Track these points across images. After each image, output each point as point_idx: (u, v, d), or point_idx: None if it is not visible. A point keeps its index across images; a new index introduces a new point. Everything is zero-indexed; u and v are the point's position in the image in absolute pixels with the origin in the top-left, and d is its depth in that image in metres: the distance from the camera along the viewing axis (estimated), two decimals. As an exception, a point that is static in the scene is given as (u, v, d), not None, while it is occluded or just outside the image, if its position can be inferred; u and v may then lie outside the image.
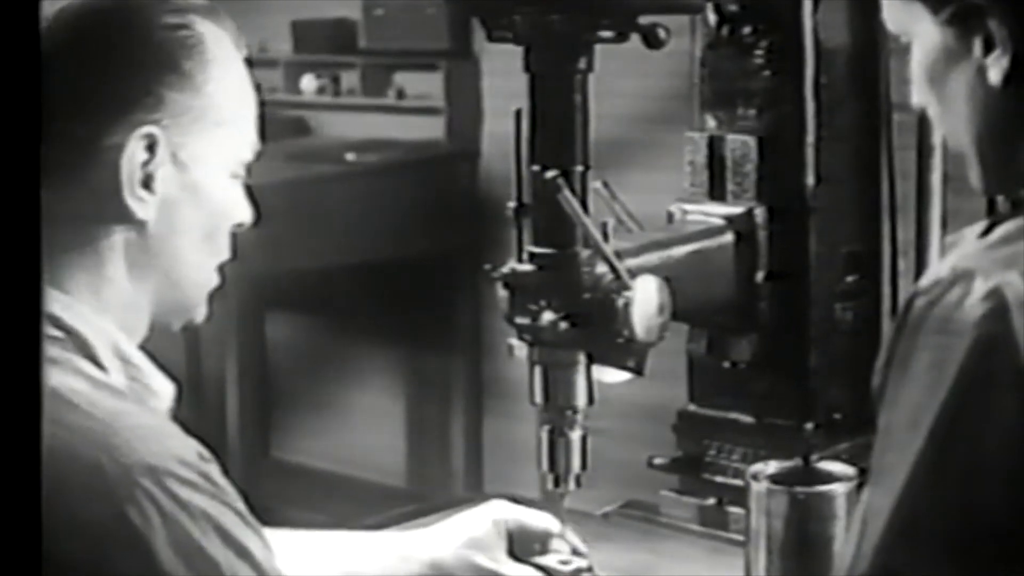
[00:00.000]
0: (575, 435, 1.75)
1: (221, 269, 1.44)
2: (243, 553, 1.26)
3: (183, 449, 1.27)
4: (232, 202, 1.43)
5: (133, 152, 1.33)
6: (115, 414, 1.26)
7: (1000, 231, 1.28)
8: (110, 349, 1.33)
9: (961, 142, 1.34)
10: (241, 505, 1.29)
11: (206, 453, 1.29)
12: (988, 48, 1.27)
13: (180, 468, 1.25)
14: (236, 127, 1.42)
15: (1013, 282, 1.20)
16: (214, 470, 1.28)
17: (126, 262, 1.36)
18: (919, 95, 1.36)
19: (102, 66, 1.34)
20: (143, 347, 1.39)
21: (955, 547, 1.20)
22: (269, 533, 1.36)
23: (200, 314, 1.44)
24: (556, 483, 1.76)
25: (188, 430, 1.31)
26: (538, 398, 1.75)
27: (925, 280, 1.26)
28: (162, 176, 1.35)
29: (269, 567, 1.28)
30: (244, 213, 1.45)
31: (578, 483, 1.76)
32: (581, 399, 1.74)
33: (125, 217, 1.34)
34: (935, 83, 1.33)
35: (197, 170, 1.38)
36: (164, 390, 1.38)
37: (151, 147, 1.34)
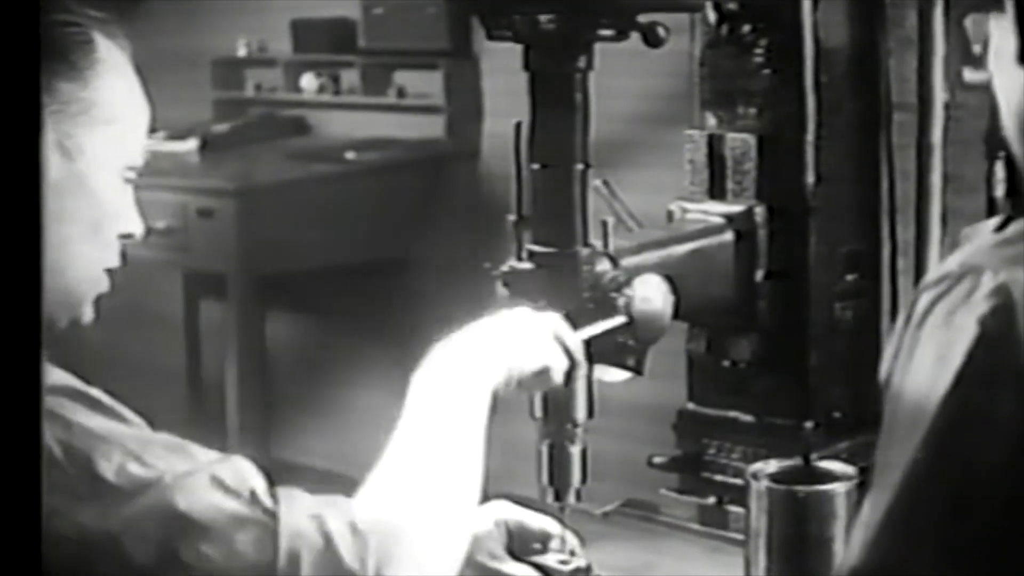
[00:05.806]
0: (575, 449, 1.74)
1: (111, 274, 1.45)
2: (120, 418, 1.34)
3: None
4: (121, 206, 1.45)
5: None
6: None
7: (1013, 227, 1.27)
8: None
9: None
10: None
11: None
12: None
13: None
14: (125, 129, 1.44)
15: (1021, 279, 1.20)
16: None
17: None
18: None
19: None
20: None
21: (949, 544, 1.20)
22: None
23: (86, 314, 1.45)
24: (557, 497, 1.76)
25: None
26: (538, 412, 1.75)
27: (934, 273, 1.26)
28: (48, 163, 1.37)
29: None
30: (134, 223, 1.47)
31: (578, 497, 1.76)
32: (581, 412, 1.74)
33: None
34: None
35: (83, 162, 1.40)
36: None
37: None
